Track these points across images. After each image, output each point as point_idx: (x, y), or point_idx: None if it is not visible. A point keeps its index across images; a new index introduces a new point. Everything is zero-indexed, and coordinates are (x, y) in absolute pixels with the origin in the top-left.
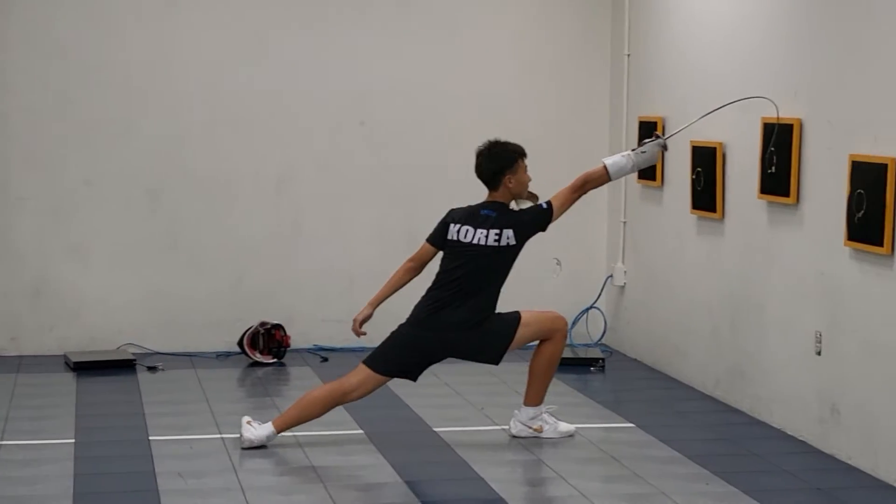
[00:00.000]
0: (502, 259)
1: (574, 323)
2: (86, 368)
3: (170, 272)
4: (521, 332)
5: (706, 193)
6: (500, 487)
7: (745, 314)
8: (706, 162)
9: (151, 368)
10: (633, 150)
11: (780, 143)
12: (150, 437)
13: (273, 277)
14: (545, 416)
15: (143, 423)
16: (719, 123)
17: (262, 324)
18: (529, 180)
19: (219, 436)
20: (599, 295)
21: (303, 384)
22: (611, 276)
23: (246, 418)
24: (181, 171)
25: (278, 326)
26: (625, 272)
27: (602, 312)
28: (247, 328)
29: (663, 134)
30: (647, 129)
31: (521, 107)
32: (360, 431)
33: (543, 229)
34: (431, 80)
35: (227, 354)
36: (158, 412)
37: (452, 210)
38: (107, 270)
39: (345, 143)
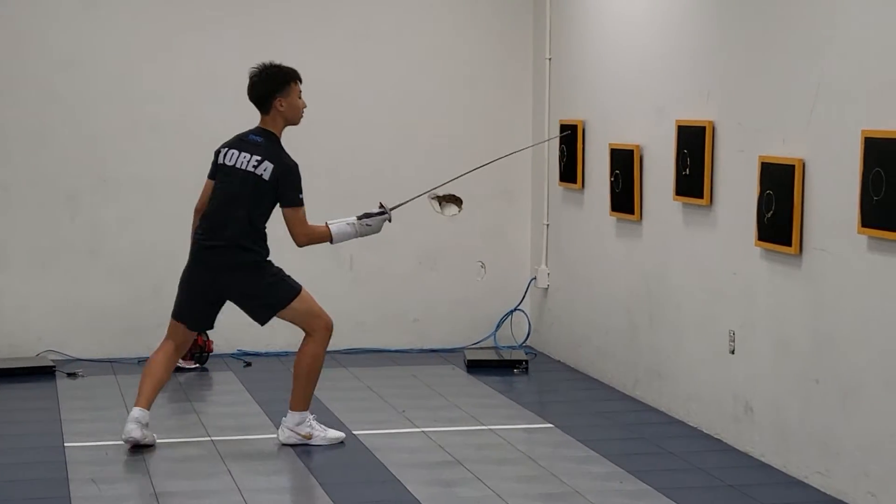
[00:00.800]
0: (256, 189)
1: (499, 325)
2: (4, 376)
3: (90, 278)
4: (294, 306)
5: (624, 195)
6: (416, 489)
7: (662, 314)
8: (624, 164)
9: (71, 375)
10: (359, 218)
11: (693, 146)
12: (66, 444)
13: None
14: (313, 422)
15: (59, 429)
16: (636, 126)
17: None
18: (304, 107)
19: None
20: (524, 297)
21: (225, 389)
22: (534, 278)
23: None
24: (100, 176)
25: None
26: (548, 274)
27: (526, 314)
28: None
29: (390, 206)
30: (569, 132)
31: (444, 110)
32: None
33: (282, 201)
34: (353, 83)
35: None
36: (76, 419)
37: (226, 141)
38: (25, 277)
39: None
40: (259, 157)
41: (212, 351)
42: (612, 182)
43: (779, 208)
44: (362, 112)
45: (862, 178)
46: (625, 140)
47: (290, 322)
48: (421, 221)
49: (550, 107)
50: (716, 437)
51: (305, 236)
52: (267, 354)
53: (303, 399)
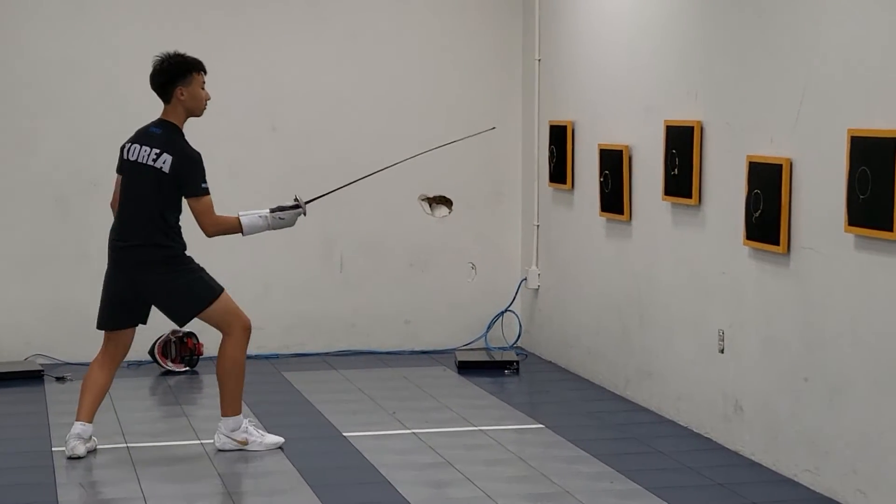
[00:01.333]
0: (158, 183)
1: (489, 326)
2: None
3: (78, 281)
4: (214, 307)
5: (614, 196)
6: (406, 490)
7: (652, 314)
8: (613, 165)
9: (60, 379)
10: (272, 211)
11: (681, 146)
12: (54, 449)
13: None
14: (249, 427)
15: (47, 434)
16: (625, 127)
17: (174, 332)
18: (208, 98)
19: (124, 445)
20: (514, 298)
21: (215, 392)
22: (525, 279)
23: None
24: (90, 179)
25: (190, 334)
26: (538, 275)
27: (517, 315)
28: (158, 336)
29: (304, 200)
30: (559, 133)
31: (434, 111)
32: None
33: (185, 192)
34: (343, 84)
35: (139, 363)
36: (64, 423)
37: (130, 136)
38: (14, 280)
39: (256, 149)
40: (158, 150)
41: (202, 354)
42: (601, 182)
43: (766, 207)
44: (351, 113)
45: (848, 177)
46: (614, 140)
47: (208, 322)
48: (411, 223)
49: (540, 108)
50: (706, 436)
51: (213, 226)
52: (257, 357)
53: (232, 403)
